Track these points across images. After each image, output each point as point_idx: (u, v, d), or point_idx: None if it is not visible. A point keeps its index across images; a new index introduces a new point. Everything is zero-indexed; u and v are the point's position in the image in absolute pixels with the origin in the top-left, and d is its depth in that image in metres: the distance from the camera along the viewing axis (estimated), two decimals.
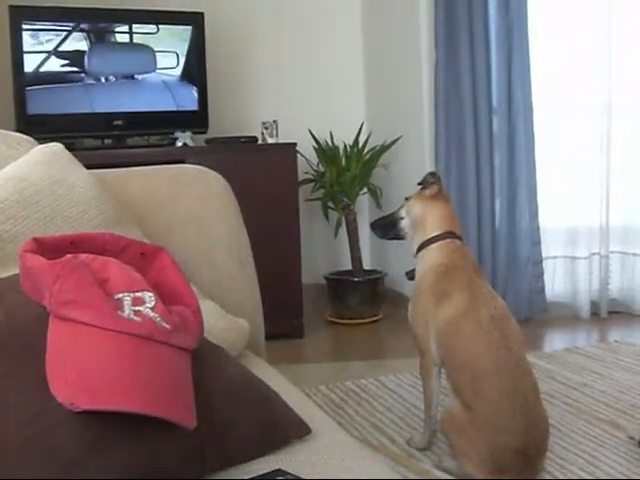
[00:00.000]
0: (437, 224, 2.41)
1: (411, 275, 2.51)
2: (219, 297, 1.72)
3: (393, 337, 4.09)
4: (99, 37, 3.81)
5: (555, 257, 4.38)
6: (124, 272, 1.14)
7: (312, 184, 4.39)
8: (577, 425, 2.71)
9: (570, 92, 4.24)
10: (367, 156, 4.39)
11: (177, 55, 3.98)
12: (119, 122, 3.86)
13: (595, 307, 4.33)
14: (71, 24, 3.75)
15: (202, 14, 4.00)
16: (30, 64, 3.64)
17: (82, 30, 3.75)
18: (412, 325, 2.42)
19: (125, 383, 1.01)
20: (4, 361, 1.09)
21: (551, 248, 4.34)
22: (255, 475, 1.09)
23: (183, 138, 3.90)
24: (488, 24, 4.07)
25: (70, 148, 1.74)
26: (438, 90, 4.10)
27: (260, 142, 4.06)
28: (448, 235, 2.40)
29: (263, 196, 3.83)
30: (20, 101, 3.65)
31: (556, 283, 4.38)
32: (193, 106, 4.04)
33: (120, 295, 1.09)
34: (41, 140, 1.80)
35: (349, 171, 4.34)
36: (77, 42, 3.74)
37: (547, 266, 4.31)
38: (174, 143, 3.92)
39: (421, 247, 2.43)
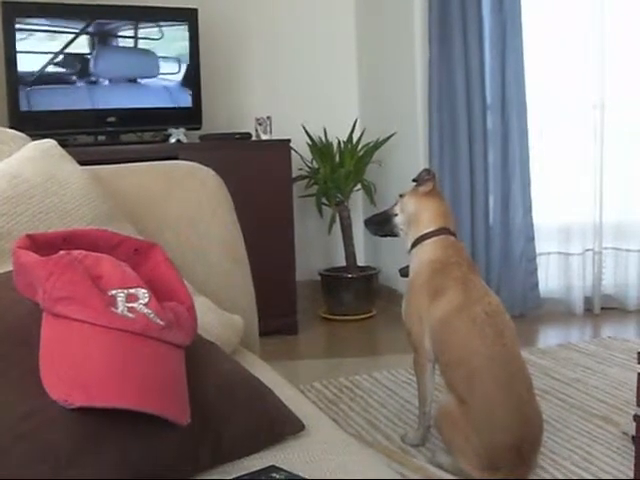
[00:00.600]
0: (431, 220, 2.42)
1: (404, 272, 2.51)
2: (213, 293, 1.72)
3: (387, 333, 4.09)
4: (93, 34, 3.79)
5: (549, 253, 4.39)
6: (117, 268, 1.14)
7: (306, 180, 4.39)
8: (571, 421, 2.72)
9: (563, 89, 4.25)
10: (361, 152, 4.39)
11: (172, 52, 3.97)
12: (112, 119, 3.85)
13: (589, 303, 4.34)
14: (64, 20, 3.73)
15: (196, 10, 3.99)
16: (23, 61, 3.63)
17: (75, 27, 3.74)
18: (406, 321, 2.42)
19: (119, 380, 1.01)
20: None
21: (545, 244, 4.35)
22: (249, 471, 1.10)
23: (177, 134, 3.89)
24: (482, 21, 4.08)
25: (63, 145, 1.74)
26: (432, 87, 4.10)
27: (254, 138, 4.05)
28: (442, 231, 2.41)
29: (257, 192, 3.83)
30: (13, 98, 3.64)
31: (550, 279, 4.39)
32: (187, 102, 4.03)
33: (114, 291, 1.09)
34: (34, 137, 1.79)
35: (343, 167, 4.34)
36: (70, 38, 3.72)
37: (541, 262, 4.32)
38: (167, 139, 3.91)
39: (415, 243, 2.44)
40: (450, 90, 4.09)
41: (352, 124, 4.45)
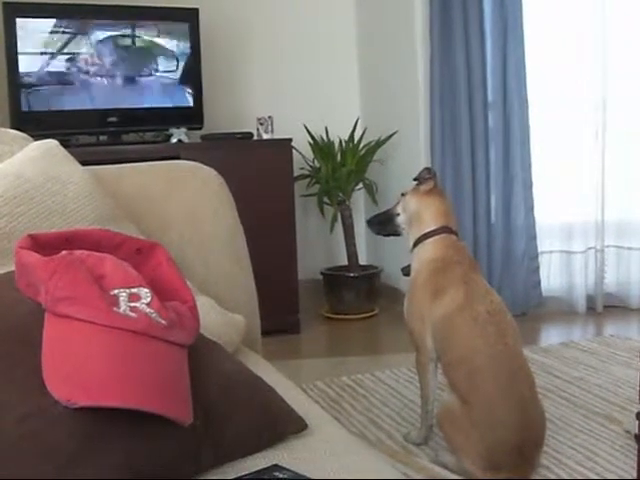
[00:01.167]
0: (432, 219, 2.42)
1: (406, 271, 2.51)
2: (215, 293, 1.72)
3: (389, 332, 4.09)
4: (94, 34, 3.79)
5: (551, 252, 4.39)
6: (120, 268, 1.14)
7: (307, 180, 4.39)
8: (573, 419, 2.72)
9: (565, 87, 4.25)
10: (362, 151, 4.39)
11: (173, 52, 3.97)
12: (114, 119, 3.85)
13: (591, 301, 4.34)
14: (65, 20, 3.74)
15: (197, 10, 3.99)
16: (24, 61, 3.63)
17: (76, 27, 3.74)
18: (408, 320, 2.42)
19: (121, 379, 1.01)
20: (0, 358, 1.09)
21: (547, 243, 4.35)
22: (252, 471, 1.09)
23: (178, 134, 3.90)
24: (483, 19, 4.07)
25: (65, 145, 1.74)
26: (433, 85, 4.10)
27: (255, 138, 4.06)
28: (444, 230, 2.40)
29: (259, 192, 3.83)
30: (14, 98, 3.64)
31: (552, 278, 4.39)
32: (188, 102, 4.03)
33: (116, 291, 1.09)
34: (36, 137, 1.80)
35: (344, 166, 4.34)
36: (71, 38, 3.72)
37: (543, 261, 4.31)
38: (169, 139, 3.92)
39: (417, 242, 2.43)
40: (451, 88, 4.09)
41: (353, 123, 4.45)
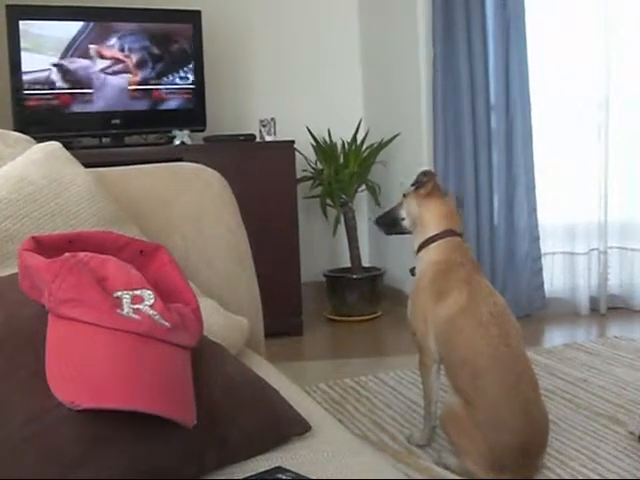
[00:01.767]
0: (436, 223, 2.40)
1: (415, 272, 2.50)
2: (218, 295, 1.72)
3: (392, 334, 4.09)
4: (97, 36, 3.80)
5: (554, 253, 4.39)
6: (123, 270, 1.14)
7: (310, 182, 4.39)
8: (577, 421, 2.71)
9: (568, 88, 4.25)
10: (365, 153, 4.39)
11: (176, 54, 3.98)
12: (117, 121, 3.85)
13: (594, 303, 4.33)
14: (68, 22, 3.74)
15: (199, 12, 4.00)
16: (27, 63, 3.64)
17: (79, 29, 3.74)
18: (411, 322, 2.42)
19: (125, 381, 1.01)
20: (3, 360, 1.08)
21: (550, 244, 4.34)
22: (255, 473, 1.09)
23: (181, 136, 3.90)
24: (485, 20, 4.08)
25: (68, 147, 1.74)
26: (436, 87, 4.10)
27: (258, 140, 4.06)
28: (447, 233, 2.39)
29: (261, 194, 3.83)
30: (17, 100, 3.65)
31: (555, 279, 4.39)
32: (191, 104, 4.03)
33: (119, 293, 1.09)
34: (39, 139, 1.80)
35: (347, 168, 4.34)
36: (74, 40, 3.73)
37: (546, 262, 4.31)
38: (172, 141, 3.92)
39: (421, 247, 2.42)
40: (454, 90, 4.09)
41: (356, 125, 4.45)
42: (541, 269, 4.25)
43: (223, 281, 1.85)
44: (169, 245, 1.37)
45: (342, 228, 4.40)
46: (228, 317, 1.67)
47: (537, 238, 4.22)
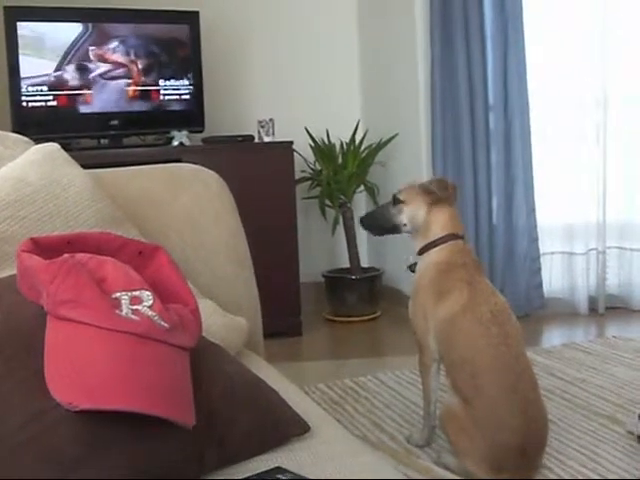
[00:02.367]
0: (440, 228, 2.38)
1: (413, 268, 2.48)
2: (217, 296, 1.72)
3: (391, 334, 4.09)
4: (95, 37, 3.80)
5: (552, 253, 4.39)
6: (121, 271, 1.14)
7: (309, 182, 4.39)
8: (576, 420, 2.71)
9: (566, 88, 4.25)
10: (364, 154, 4.39)
11: (174, 54, 3.98)
12: (115, 122, 3.85)
13: (593, 303, 4.33)
14: (65, 24, 3.74)
15: (197, 13, 4.00)
16: (26, 64, 3.64)
17: (77, 30, 3.74)
18: (412, 320, 2.41)
19: (123, 382, 1.01)
20: (2, 361, 1.09)
21: (548, 244, 4.34)
22: (254, 473, 1.09)
23: (179, 137, 3.90)
24: (483, 21, 4.08)
25: (66, 148, 1.74)
26: (434, 87, 4.10)
27: (256, 141, 4.06)
28: (450, 237, 2.38)
29: (260, 195, 3.83)
30: (16, 101, 3.65)
31: (554, 279, 4.38)
32: (189, 105, 4.03)
33: (118, 294, 1.09)
34: (37, 140, 1.80)
35: (346, 169, 4.34)
36: (72, 41, 3.73)
37: (544, 262, 4.31)
38: (170, 142, 3.92)
39: (423, 249, 2.41)
40: (452, 90, 4.09)
41: (355, 125, 4.45)
42: (540, 269, 4.26)
43: (222, 282, 1.85)
44: (168, 246, 1.37)
45: (341, 229, 4.40)
46: (227, 318, 1.67)
47: (536, 238, 4.22)
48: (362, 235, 4.56)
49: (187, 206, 1.88)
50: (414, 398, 2.94)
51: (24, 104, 3.65)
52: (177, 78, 3.99)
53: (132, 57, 3.90)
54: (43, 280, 1.09)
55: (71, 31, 3.74)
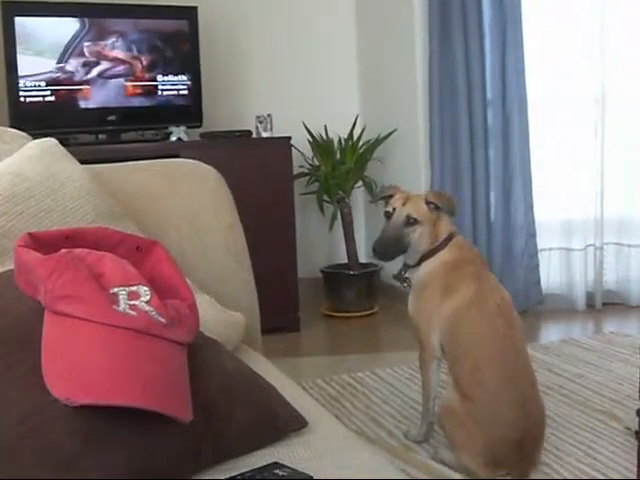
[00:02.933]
0: (442, 233, 2.38)
1: (401, 277, 2.46)
2: (215, 291, 1.72)
3: (389, 330, 4.09)
4: (93, 32, 3.79)
5: (550, 249, 4.38)
6: (119, 266, 1.14)
7: (307, 178, 4.39)
8: (573, 416, 2.72)
9: (564, 84, 4.24)
10: (362, 149, 4.39)
11: (172, 49, 3.98)
12: (113, 117, 3.85)
13: (590, 298, 4.34)
14: (64, 19, 3.74)
15: (196, 8, 3.99)
16: (23, 60, 3.63)
17: (75, 25, 3.73)
18: (414, 317, 2.40)
19: (121, 377, 1.01)
20: None
21: (546, 240, 4.34)
22: (252, 468, 1.10)
23: (177, 133, 3.90)
24: (482, 17, 4.07)
25: (64, 143, 1.74)
26: (432, 83, 4.09)
27: (254, 136, 4.05)
28: (451, 237, 2.39)
29: (258, 190, 3.83)
30: (14, 97, 3.64)
31: (551, 275, 4.38)
32: (187, 100, 4.03)
33: (115, 289, 1.09)
34: (35, 135, 1.79)
35: (344, 164, 4.34)
36: (70, 37, 3.72)
37: (542, 258, 4.31)
38: (168, 138, 3.91)
39: (426, 257, 2.39)
40: (451, 86, 4.08)
41: (353, 121, 4.45)
42: (538, 265, 4.25)
43: (219, 277, 1.85)
44: (165, 241, 1.37)
45: (339, 224, 4.40)
46: (224, 313, 1.67)
47: (534, 234, 4.21)
48: (360, 230, 4.56)
49: (185, 201, 1.88)
50: (412, 394, 2.94)
51: (22, 99, 3.65)
52: (175, 73, 3.98)
53: (130, 52, 3.89)
54: (41, 275, 1.09)
55: (69, 26, 3.73)
